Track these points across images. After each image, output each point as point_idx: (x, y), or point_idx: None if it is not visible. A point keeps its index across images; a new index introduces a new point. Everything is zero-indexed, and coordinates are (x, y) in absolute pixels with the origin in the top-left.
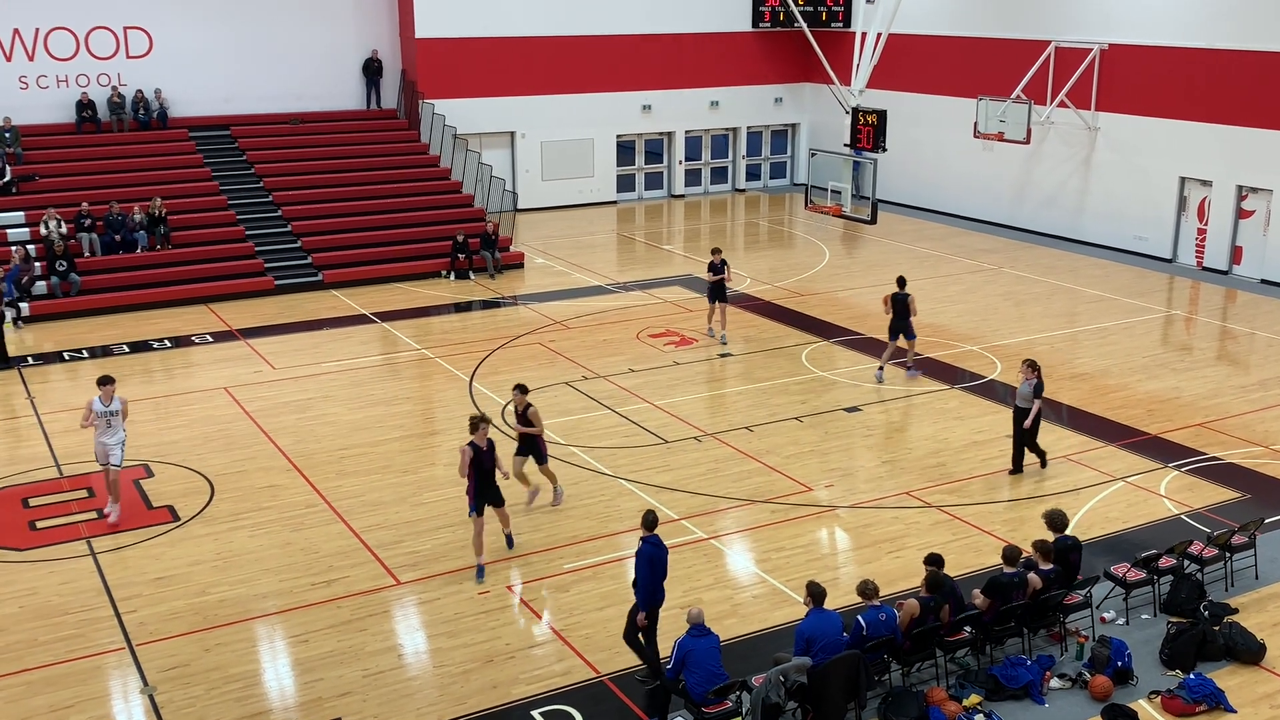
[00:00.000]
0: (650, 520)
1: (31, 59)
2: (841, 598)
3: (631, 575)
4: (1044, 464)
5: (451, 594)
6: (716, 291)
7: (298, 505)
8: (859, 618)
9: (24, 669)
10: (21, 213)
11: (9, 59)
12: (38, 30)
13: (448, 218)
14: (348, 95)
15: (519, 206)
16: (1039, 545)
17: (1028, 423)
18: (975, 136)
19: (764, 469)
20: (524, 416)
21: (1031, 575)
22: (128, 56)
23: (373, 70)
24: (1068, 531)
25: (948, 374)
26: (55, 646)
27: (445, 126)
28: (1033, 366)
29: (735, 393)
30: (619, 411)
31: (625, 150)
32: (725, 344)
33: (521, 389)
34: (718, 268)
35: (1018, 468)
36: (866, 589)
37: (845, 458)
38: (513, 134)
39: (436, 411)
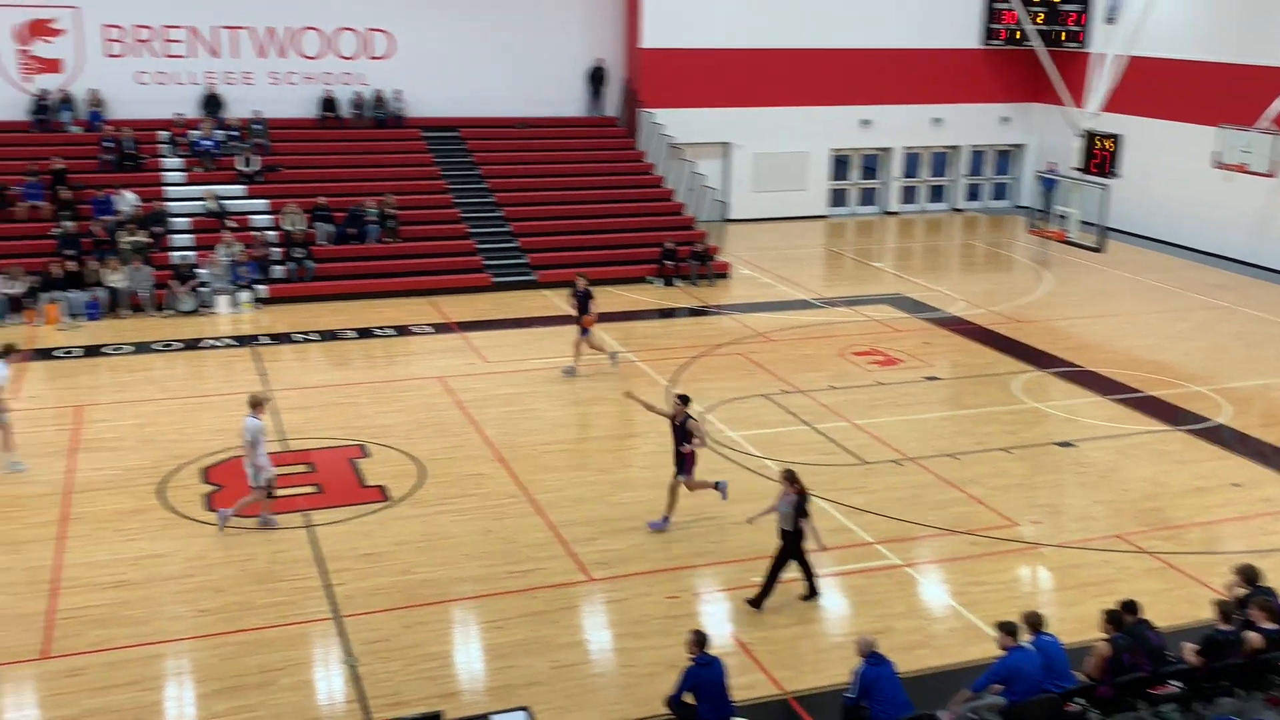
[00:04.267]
0: (700, 639)
1: (283, 56)
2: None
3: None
4: (813, 592)
5: (640, 596)
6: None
7: (500, 495)
8: (1028, 645)
9: (240, 629)
10: (266, 200)
11: (263, 55)
12: (289, 29)
13: (658, 224)
14: (572, 102)
15: (729, 217)
16: (1262, 603)
17: (819, 545)
18: (1215, 166)
19: (966, 499)
20: None
21: (1251, 634)
22: (370, 57)
23: (597, 78)
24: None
25: (1171, 414)
26: (268, 611)
27: (661, 135)
28: (792, 479)
29: (940, 418)
30: (817, 428)
31: (840, 164)
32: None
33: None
34: (583, 296)
35: (758, 602)
36: (1033, 619)
37: (1054, 494)
38: (727, 145)
39: (635, 414)
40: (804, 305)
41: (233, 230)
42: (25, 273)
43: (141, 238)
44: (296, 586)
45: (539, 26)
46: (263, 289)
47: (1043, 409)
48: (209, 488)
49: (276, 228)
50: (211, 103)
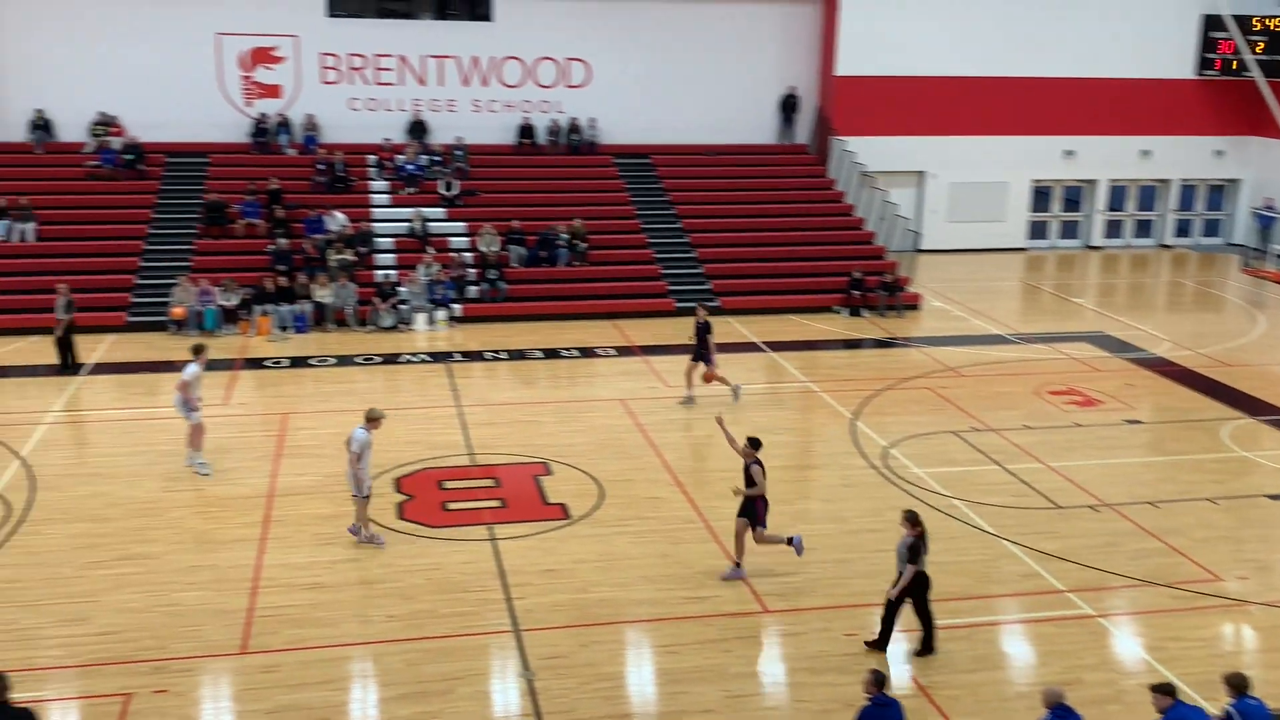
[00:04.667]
0: (878, 679)
1: (485, 84)
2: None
3: None
4: (928, 646)
5: (818, 631)
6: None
7: (677, 519)
8: (1230, 707)
9: (424, 636)
10: (464, 223)
11: (466, 84)
12: (492, 59)
13: (846, 253)
14: (762, 129)
15: (921, 247)
16: None
17: (893, 592)
18: None
19: (1167, 550)
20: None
21: None
22: (567, 86)
23: (789, 106)
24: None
25: None
26: (452, 620)
27: (853, 163)
28: (913, 521)
29: (1141, 464)
30: (1008, 468)
31: (1041, 196)
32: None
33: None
34: (702, 328)
35: (926, 647)
36: (1236, 680)
37: (1264, 549)
38: (921, 174)
39: (815, 446)
40: (998, 340)
41: (432, 251)
42: (240, 286)
43: (348, 256)
44: (479, 598)
45: (732, 55)
46: (457, 308)
47: (1253, 459)
48: (401, 497)
49: (472, 249)
50: (417, 129)
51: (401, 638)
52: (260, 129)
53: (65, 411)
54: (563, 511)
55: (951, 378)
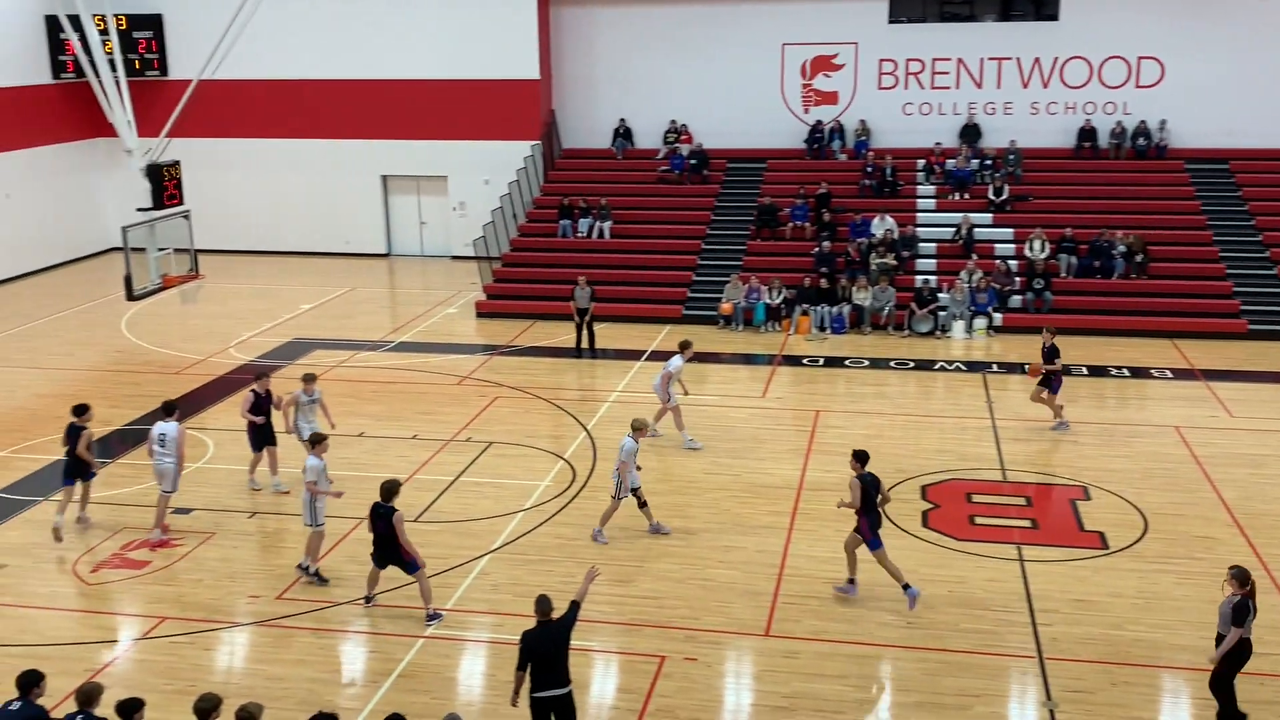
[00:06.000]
0: None
1: (1045, 85)
2: None
3: None
4: None
5: None
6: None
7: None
8: None
9: (943, 648)
10: (1011, 229)
11: (1026, 85)
12: (1056, 59)
13: None
14: None
15: None
16: None
17: (1213, 658)
18: None
19: None
20: None
21: None
22: (1136, 86)
23: None
24: None
25: None
26: (972, 636)
27: None
28: (1241, 579)
29: None
30: None
31: None
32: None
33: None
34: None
35: None
36: None
37: None
38: None
39: None
40: None
41: (975, 258)
42: (785, 286)
43: (889, 260)
44: (1002, 618)
45: None
46: (998, 317)
47: None
48: (926, 505)
49: (1018, 257)
50: (970, 132)
51: (920, 646)
52: (815, 135)
53: (626, 392)
54: (1100, 540)
55: None
